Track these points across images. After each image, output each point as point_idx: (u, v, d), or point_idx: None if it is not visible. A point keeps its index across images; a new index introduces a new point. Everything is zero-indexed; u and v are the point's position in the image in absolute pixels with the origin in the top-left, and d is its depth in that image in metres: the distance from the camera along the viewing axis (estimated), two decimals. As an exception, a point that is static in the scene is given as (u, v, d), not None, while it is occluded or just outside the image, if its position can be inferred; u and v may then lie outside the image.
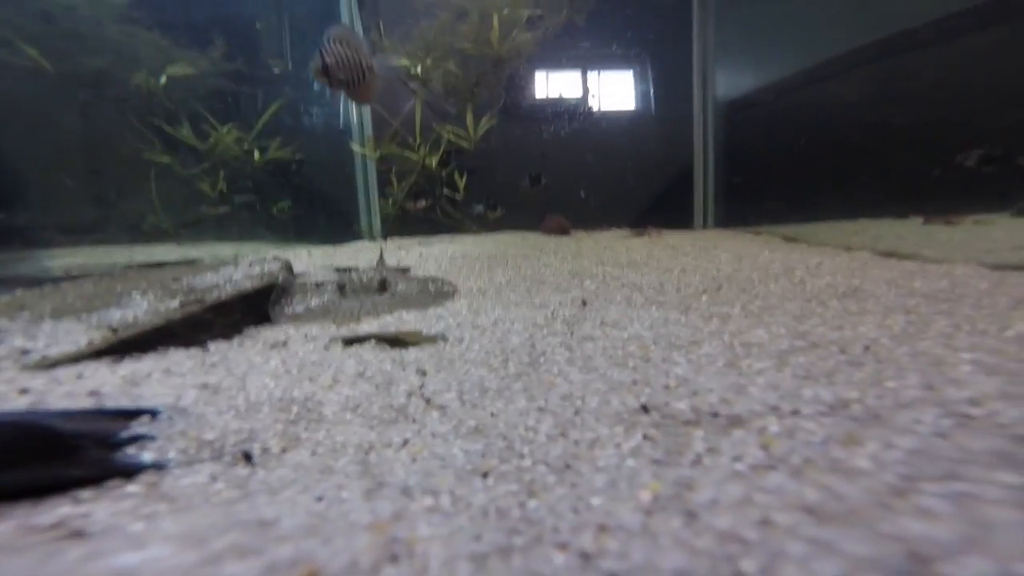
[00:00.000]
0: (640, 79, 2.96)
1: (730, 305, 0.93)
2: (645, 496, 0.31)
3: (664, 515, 0.28)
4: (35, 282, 1.05)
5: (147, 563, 0.25)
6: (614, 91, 2.96)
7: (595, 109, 2.90)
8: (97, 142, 2.09)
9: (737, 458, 0.35)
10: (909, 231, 1.85)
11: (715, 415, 0.44)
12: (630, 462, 0.37)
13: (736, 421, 0.42)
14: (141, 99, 2.11)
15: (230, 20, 2.38)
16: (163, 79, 2.12)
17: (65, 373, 0.61)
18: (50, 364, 0.62)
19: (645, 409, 0.47)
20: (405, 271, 1.35)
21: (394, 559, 0.25)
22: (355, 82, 1.06)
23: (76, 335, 0.71)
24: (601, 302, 1.00)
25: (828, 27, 2.24)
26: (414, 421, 0.49)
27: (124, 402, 0.52)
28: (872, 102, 2.12)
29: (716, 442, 0.39)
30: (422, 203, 2.32)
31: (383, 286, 1.03)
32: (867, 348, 0.63)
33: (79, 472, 0.36)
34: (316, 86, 2.53)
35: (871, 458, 0.34)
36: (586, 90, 2.91)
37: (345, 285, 0.98)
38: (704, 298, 1.00)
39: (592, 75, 2.94)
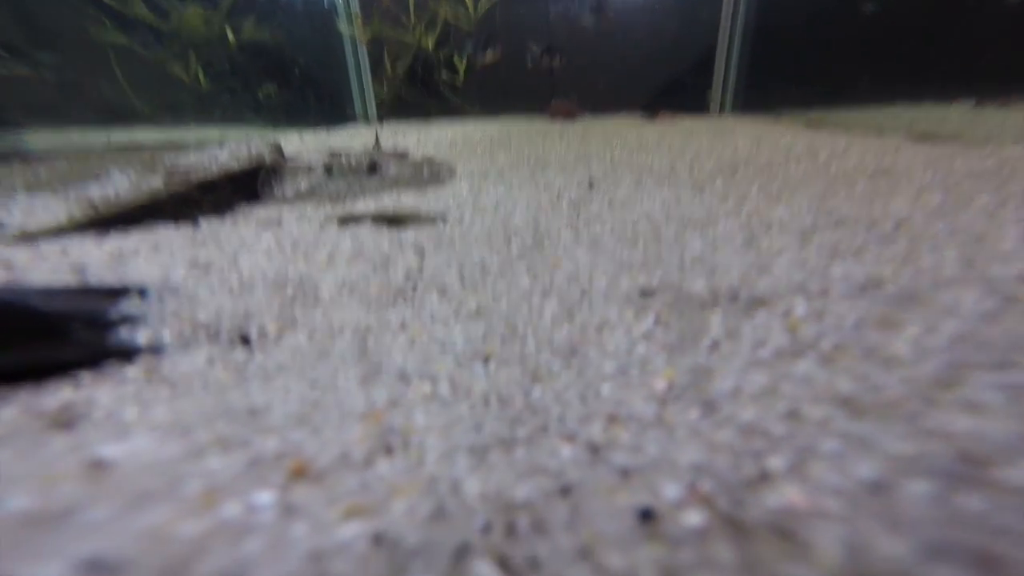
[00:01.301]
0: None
1: (747, 185, 0.84)
2: (659, 384, 0.27)
3: (680, 405, 0.25)
4: (9, 159, 0.95)
5: (128, 455, 0.22)
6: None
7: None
8: (46, 22, 1.80)
9: (760, 343, 0.31)
10: (955, 115, 1.65)
11: (734, 296, 0.40)
12: (641, 348, 0.33)
13: (758, 302, 0.38)
14: None
15: None
16: None
17: (48, 247, 0.56)
18: (29, 236, 0.57)
19: (656, 290, 0.43)
20: (403, 155, 1.24)
21: (388, 450, 0.22)
22: None
23: (54, 210, 0.66)
24: (609, 184, 0.92)
25: None
26: (412, 303, 0.45)
27: (110, 278, 0.47)
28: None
29: (736, 325, 0.34)
30: (490, 54, 2.03)
31: (373, 168, 0.94)
32: (899, 225, 0.57)
33: (70, 354, 0.33)
34: None
35: (911, 343, 0.30)
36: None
37: (334, 167, 0.89)
38: (719, 180, 0.91)
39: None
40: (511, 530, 0.17)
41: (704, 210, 0.70)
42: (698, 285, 0.43)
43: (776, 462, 0.20)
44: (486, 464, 0.21)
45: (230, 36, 2.07)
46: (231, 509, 0.18)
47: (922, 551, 0.15)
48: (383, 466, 0.21)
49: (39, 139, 1.49)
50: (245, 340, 0.38)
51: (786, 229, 0.58)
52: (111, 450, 0.22)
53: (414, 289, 0.47)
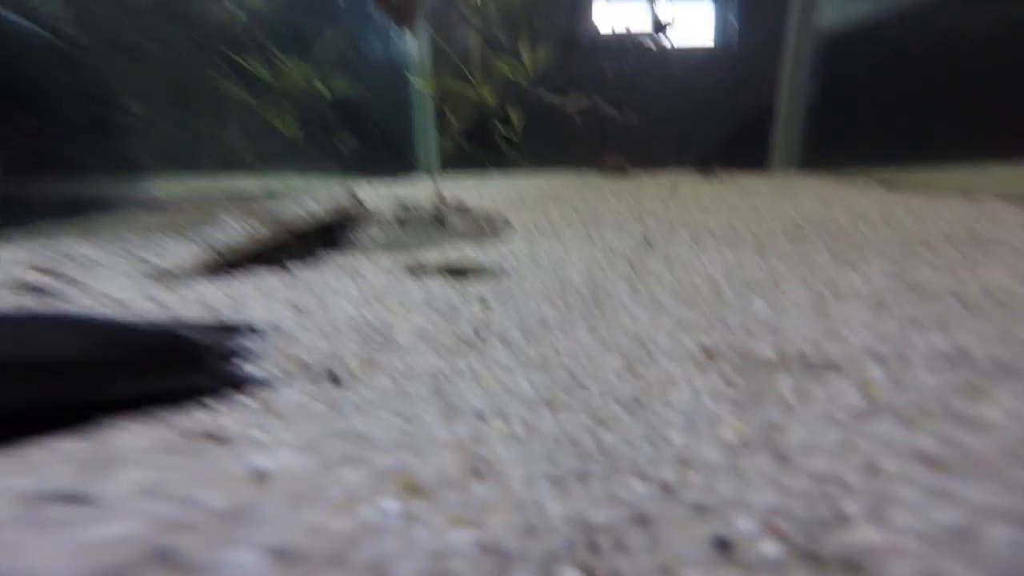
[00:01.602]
0: (720, 9, 2.64)
1: (814, 249, 0.86)
2: (728, 435, 0.29)
3: (751, 454, 0.27)
4: (142, 204, 1.15)
5: (280, 467, 0.27)
6: (688, 22, 2.67)
7: (664, 42, 2.64)
8: (188, 75, 2.19)
9: (833, 403, 0.33)
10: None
11: (803, 359, 0.41)
12: (709, 403, 0.35)
13: (829, 366, 0.40)
14: (225, 33, 2.17)
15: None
16: (243, 14, 2.15)
17: (182, 287, 0.67)
18: (168, 277, 0.69)
19: (720, 350, 0.45)
20: (463, 207, 1.36)
21: (478, 475, 0.26)
22: (404, 4, 1.02)
23: (184, 252, 0.79)
24: (665, 242, 0.96)
25: None
26: (479, 351, 0.50)
27: (233, 317, 0.56)
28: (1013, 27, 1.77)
29: (806, 387, 0.36)
30: (577, 102, 2.20)
31: (440, 220, 1.04)
32: (991, 295, 0.56)
33: (205, 381, 0.40)
34: (375, 17, 2.47)
35: (1003, 410, 0.31)
36: (655, 21, 2.64)
37: (405, 219, 1.00)
38: (783, 241, 0.93)
39: (663, 3, 2.65)
40: (594, 547, 0.20)
41: (767, 273, 0.72)
42: (764, 347, 0.45)
43: (853, 507, 0.22)
44: (565, 492, 0.24)
45: (322, 90, 2.40)
46: (367, 512, 0.23)
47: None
48: (476, 487, 0.25)
49: (166, 185, 1.76)
50: (334, 378, 0.44)
51: (859, 296, 0.59)
52: (263, 461, 0.28)
53: (480, 339, 0.52)
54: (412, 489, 0.24)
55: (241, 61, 2.23)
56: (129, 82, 1.96)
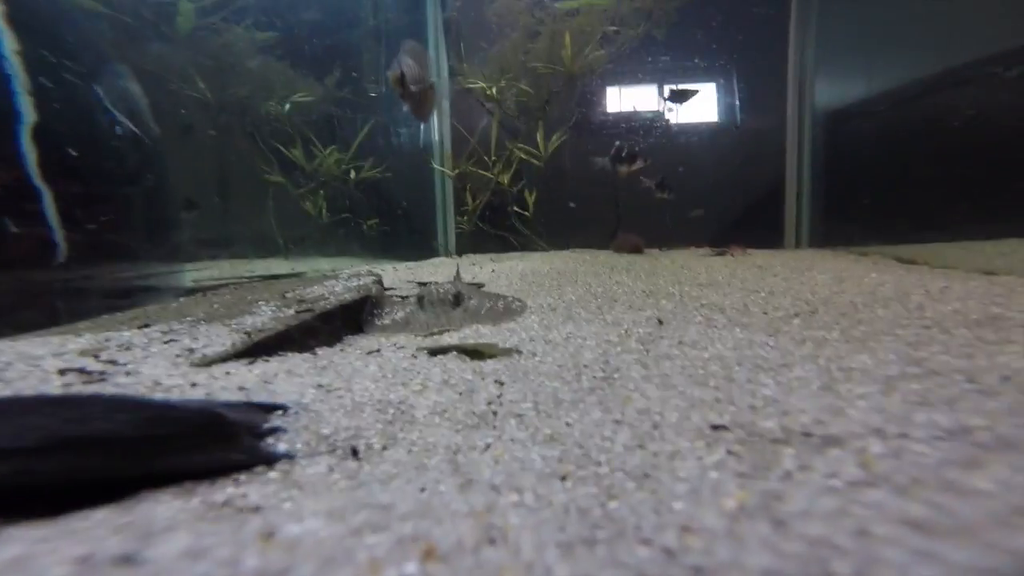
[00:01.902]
0: (724, 91, 2.91)
1: (827, 330, 0.88)
2: (730, 504, 0.32)
3: (751, 521, 0.29)
4: (188, 291, 1.28)
5: (309, 532, 0.31)
6: (695, 104, 2.93)
7: (672, 122, 2.89)
8: (234, 164, 2.47)
9: (832, 475, 0.35)
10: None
11: (807, 435, 0.44)
12: (713, 474, 0.38)
13: (832, 441, 0.42)
14: (268, 124, 2.46)
15: (342, 50, 2.70)
16: (287, 106, 2.45)
17: (218, 370, 0.73)
18: (208, 362, 0.76)
19: (728, 426, 0.48)
20: (479, 287, 1.43)
21: (492, 542, 0.29)
22: (420, 96, 1.18)
23: (223, 337, 0.87)
24: (678, 322, 1.00)
25: (956, 29, 2.08)
26: (494, 427, 0.53)
27: (263, 396, 0.61)
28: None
29: (808, 460, 0.38)
30: (639, 164, 2.32)
31: (458, 301, 1.11)
32: (1007, 378, 0.58)
33: (239, 457, 0.44)
34: (405, 108, 2.77)
35: (996, 480, 0.32)
36: (663, 103, 2.91)
37: (425, 299, 1.07)
38: (796, 321, 0.96)
39: (670, 88, 2.94)
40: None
41: (779, 353, 0.75)
42: (769, 424, 0.47)
43: (841, 567, 0.24)
44: (573, 556, 0.27)
45: (352, 174, 2.64)
46: (391, 574, 0.26)
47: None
48: (489, 552, 0.28)
49: (208, 271, 1.92)
50: (355, 452, 0.48)
51: (868, 376, 0.62)
52: (294, 528, 0.31)
53: (495, 415, 0.56)
54: (431, 554, 0.27)
55: (283, 149, 2.50)
56: (184, 171, 2.21)
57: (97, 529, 0.34)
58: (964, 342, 0.76)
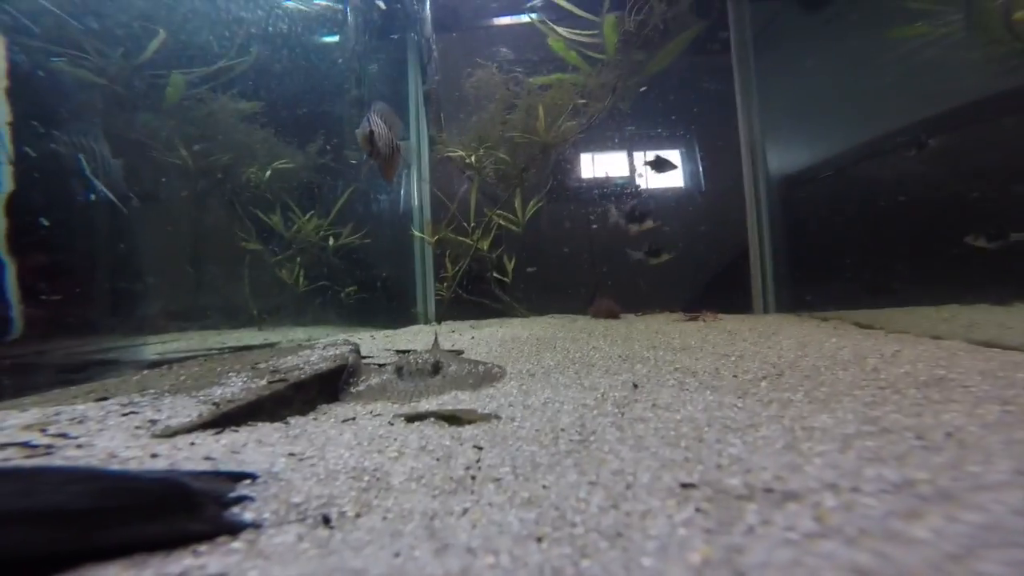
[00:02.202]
0: (688, 158, 3.15)
1: (792, 391, 0.93)
2: (695, 558, 0.34)
3: (712, 573, 0.32)
4: (152, 364, 1.27)
5: None
6: (662, 171, 3.15)
7: (642, 188, 3.08)
8: (210, 231, 2.49)
9: (790, 528, 0.38)
10: (1016, 319, 1.74)
11: (769, 490, 0.47)
12: (682, 531, 0.40)
13: (791, 496, 0.45)
14: (248, 191, 2.52)
15: (325, 118, 2.84)
16: (267, 173, 2.53)
17: (182, 441, 0.72)
18: (171, 433, 0.74)
19: (697, 484, 0.50)
20: (459, 353, 1.45)
21: None
22: (387, 157, 1.23)
23: (189, 408, 0.85)
24: (652, 385, 1.03)
25: (885, 99, 2.34)
26: (472, 492, 0.54)
27: (230, 466, 0.61)
28: (952, 174, 2.12)
29: (769, 515, 0.41)
30: (648, 224, 2.34)
31: (436, 368, 1.12)
32: (949, 435, 0.62)
33: (201, 527, 0.44)
34: (368, 166, 2.88)
35: (933, 530, 0.36)
36: (632, 169, 3.13)
37: (403, 367, 1.09)
38: (763, 384, 1.01)
39: (639, 155, 3.17)
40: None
41: (746, 415, 0.79)
42: (735, 482, 0.50)
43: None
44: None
45: (330, 241, 2.67)
46: None
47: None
48: (465, 606, 0.29)
49: (175, 343, 1.88)
50: (327, 520, 0.48)
51: (828, 435, 0.66)
52: None
53: (473, 480, 0.57)
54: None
55: (261, 216, 2.54)
56: (157, 240, 2.22)
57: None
58: (913, 402, 0.81)
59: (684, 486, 0.51)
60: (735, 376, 1.09)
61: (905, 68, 2.25)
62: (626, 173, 3.15)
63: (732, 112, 2.98)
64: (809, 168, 2.82)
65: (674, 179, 3.15)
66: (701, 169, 3.13)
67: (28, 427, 0.76)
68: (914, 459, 0.54)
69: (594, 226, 3.00)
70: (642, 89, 2.79)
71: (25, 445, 0.67)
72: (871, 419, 0.72)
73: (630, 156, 3.17)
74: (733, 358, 1.31)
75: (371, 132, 1.15)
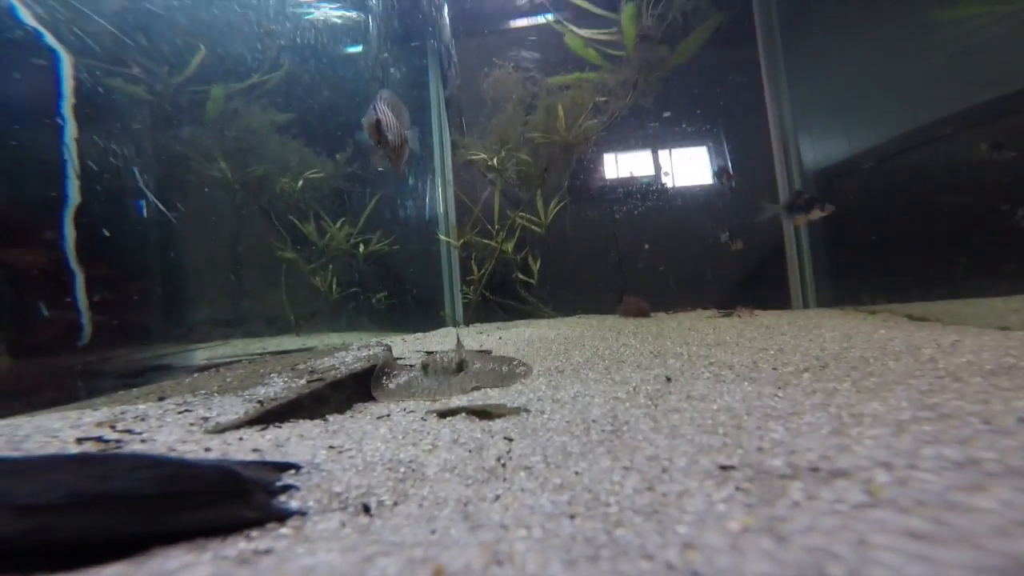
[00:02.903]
0: (715, 154, 3.10)
1: (838, 382, 0.90)
2: (734, 526, 0.33)
3: (753, 537, 0.31)
4: (201, 369, 1.34)
5: (322, 562, 0.33)
6: (689, 167, 3.11)
7: (668, 186, 3.05)
8: (249, 241, 2.60)
9: (838, 501, 0.37)
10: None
11: (815, 470, 0.45)
12: (720, 507, 0.39)
13: (839, 474, 0.43)
14: (282, 200, 2.62)
15: (353, 127, 2.92)
16: (300, 183, 2.63)
17: (231, 436, 0.76)
18: (221, 429, 0.79)
19: (737, 466, 0.49)
20: (487, 353, 1.46)
21: (499, 563, 0.31)
22: (396, 147, 1.22)
23: (236, 407, 0.90)
24: (687, 379, 1.01)
25: (934, 84, 2.24)
26: (504, 480, 0.54)
27: (276, 458, 0.64)
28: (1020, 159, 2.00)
29: (815, 491, 0.40)
30: (817, 212, 2.32)
31: (461, 367, 1.13)
32: (1023, 420, 0.58)
33: (252, 514, 0.46)
34: (411, 181, 2.95)
35: (1000, 501, 0.34)
36: (657, 167, 3.09)
37: (429, 366, 1.11)
38: (806, 375, 0.98)
39: (664, 153, 3.13)
40: (603, 601, 0.24)
41: (788, 403, 0.76)
42: (777, 463, 0.49)
43: (837, 569, 0.25)
44: (576, 569, 0.28)
45: (361, 248, 2.75)
46: None
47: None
48: (496, 570, 0.29)
49: (221, 349, 1.98)
50: (366, 509, 0.49)
51: (879, 421, 0.63)
52: (308, 560, 0.34)
53: (505, 469, 0.57)
54: (440, 573, 0.29)
55: (297, 223, 2.63)
56: (203, 251, 2.33)
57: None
58: (979, 390, 0.77)
59: (723, 468, 0.49)
60: (774, 369, 1.06)
61: (957, 50, 2.15)
62: (651, 171, 3.12)
63: (761, 105, 2.92)
64: (849, 159, 2.73)
65: (702, 175, 3.10)
66: (730, 164, 3.06)
67: (100, 424, 0.82)
68: (980, 442, 0.51)
69: (617, 217, 2.98)
70: (657, 77, 2.75)
71: (99, 440, 0.73)
72: (928, 406, 0.68)
73: (655, 153, 3.14)
74: (772, 352, 1.27)
75: (377, 121, 1.15)
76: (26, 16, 1.44)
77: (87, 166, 1.45)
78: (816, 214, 2.16)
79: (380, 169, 2.86)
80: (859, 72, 2.59)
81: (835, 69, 2.73)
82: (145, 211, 1.73)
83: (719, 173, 2.63)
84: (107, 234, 1.53)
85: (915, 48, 2.33)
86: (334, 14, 2.80)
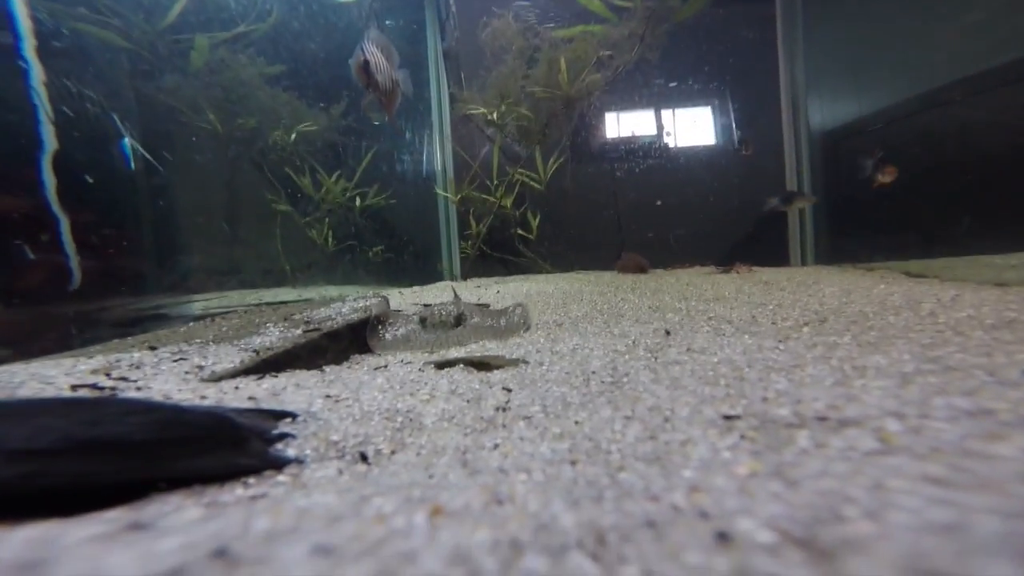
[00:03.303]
0: (720, 113, 3.00)
1: (838, 335, 0.88)
2: (742, 471, 0.32)
3: (762, 481, 0.29)
4: (197, 319, 1.33)
5: (318, 504, 0.31)
6: (692, 126, 3.01)
7: (670, 144, 2.96)
8: (241, 193, 2.55)
9: (849, 448, 0.35)
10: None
11: (823, 419, 0.44)
12: (726, 454, 0.38)
13: (848, 423, 0.42)
14: (275, 153, 2.55)
15: (346, 79, 2.80)
16: (293, 135, 2.54)
17: (227, 385, 0.75)
18: (217, 378, 0.78)
19: (741, 415, 0.48)
20: (485, 306, 1.45)
21: (499, 502, 0.29)
22: (387, 90, 1.15)
23: (232, 356, 0.89)
24: (686, 332, 1.00)
25: (938, 49, 2.15)
26: (503, 426, 0.53)
27: (272, 406, 0.62)
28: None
29: (824, 439, 0.39)
30: (886, 173, 2.32)
31: (459, 320, 1.12)
32: (1029, 372, 0.57)
33: (248, 461, 0.45)
34: (408, 135, 2.86)
35: (1019, 448, 0.32)
36: (660, 126, 3.00)
37: (427, 319, 1.09)
38: (806, 329, 0.96)
39: (667, 111, 3.03)
40: (601, 540, 0.23)
41: (790, 356, 0.75)
42: (783, 412, 0.47)
43: (852, 511, 0.24)
44: (578, 508, 0.27)
45: (357, 202, 2.70)
46: (398, 522, 0.27)
47: (977, 550, 0.19)
48: (496, 509, 0.28)
49: (217, 300, 1.96)
50: (364, 457, 0.48)
51: (883, 373, 0.61)
52: (303, 502, 0.32)
53: (504, 418, 0.56)
54: (439, 512, 0.28)
55: (292, 175, 2.57)
56: (193, 201, 2.28)
57: (105, 521, 0.34)
58: (981, 343, 0.75)
59: (727, 418, 0.48)
60: (774, 323, 1.05)
61: (985, 10, 2.03)
62: (653, 129, 3.02)
63: (772, 63, 2.80)
64: (858, 119, 2.64)
65: (705, 136, 3.01)
66: (735, 123, 2.97)
67: (95, 371, 0.81)
68: (988, 392, 0.49)
69: (618, 175, 2.91)
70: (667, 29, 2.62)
71: (93, 387, 0.72)
72: (932, 359, 0.67)
73: (658, 111, 3.03)
74: (771, 307, 1.25)
75: (365, 62, 1.06)
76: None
77: (62, 112, 1.38)
78: (885, 175, 2.17)
79: (376, 123, 2.76)
80: (878, 32, 2.47)
81: (854, 28, 2.60)
82: (132, 160, 1.67)
83: (742, 141, 2.55)
84: (90, 180, 1.48)
85: (939, 8, 2.21)
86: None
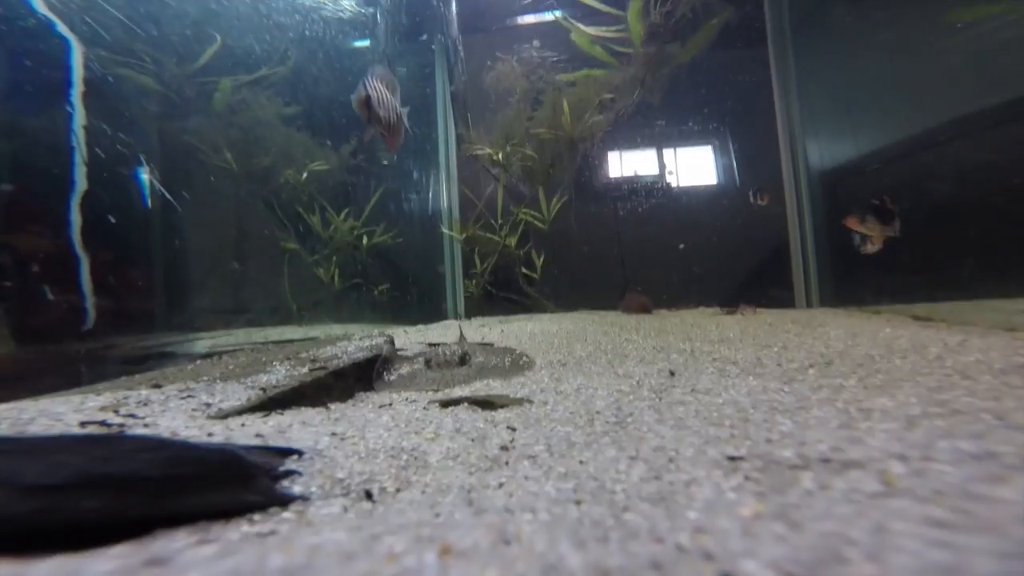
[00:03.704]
0: (721, 153, 3.08)
1: (844, 378, 0.88)
2: (746, 512, 0.32)
3: (766, 523, 0.30)
4: (205, 356, 1.34)
5: (329, 540, 0.32)
6: (694, 166, 3.09)
7: (673, 185, 3.03)
8: (252, 231, 2.60)
9: (852, 491, 0.36)
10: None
11: (826, 460, 0.44)
12: (731, 495, 0.38)
13: (852, 464, 0.42)
14: (286, 192, 2.62)
15: (358, 120, 2.90)
16: (304, 174, 2.62)
17: (234, 422, 0.76)
18: (224, 415, 0.79)
19: (745, 457, 0.48)
20: (489, 345, 1.46)
21: (507, 542, 0.30)
22: (390, 124, 1.17)
23: (239, 393, 0.90)
24: (691, 373, 1.00)
25: (945, 86, 2.22)
26: (508, 466, 0.53)
27: (279, 443, 0.63)
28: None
29: (827, 480, 0.39)
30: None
31: (463, 360, 1.13)
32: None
33: (255, 498, 0.45)
34: (416, 175, 2.94)
35: (1021, 491, 0.33)
36: (662, 166, 3.08)
37: (431, 359, 1.10)
38: (811, 371, 0.96)
39: (669, 152, 3.12)
40: (613, 581, 0.23)
41: (795, 398, 0.75)
42: (787, 453, 0.48)
43: (854, 553, 0.24)
44: (585, 549, 0.27)
45: (364, 240, 2.74)
46: (409, 561, 0.27)
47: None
48: (503, 549, 0.28)
49: (224, 338, 1.97)
50: (369, 495, 0.48)
51: (889, 416, 0.62)
52: (314, 539, 0.33)
53: (508, 457, 0.56)
54: (448, 551, 0.28)
55: (303, 213, 2.63)
56: (206, 240, 2.33)
57: (119, 556, 0.35)
58: (989, 387, 0.75)
59: (731, 459, 0.48)
60: (779, 365, 1.05)
61: (971, 52, 2.12)
62: (655, 169, 3.10)
63: (769, 105, 2.90)
64: (855, 160, 2.70)
65: (707, 176, 3.09)
66: (736, 164, 3.04)
67: (103, 408, 0.82)
68: (995, 436, 0.49)
69: (620, 214, 2.97)
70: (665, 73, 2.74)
71: (102, 424, 0.72)
72: (939, 402, 0.67)
73: (660, 152, 3.12)
74: (776, 348, 1.25)
75: (367, 97, 1.10)
76: (39, 5, 1.44)
77: (94, 153, 1.44)
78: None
79: (385, 163, 2.85)
80: (870, 73, 2.56)
81: (845, 70, 2.70)
82: (150, 200, 1.73)
83: (757, 191, 2.62)
84: (113, 221, 1.53)
85: (928, 50, 2.31)
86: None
